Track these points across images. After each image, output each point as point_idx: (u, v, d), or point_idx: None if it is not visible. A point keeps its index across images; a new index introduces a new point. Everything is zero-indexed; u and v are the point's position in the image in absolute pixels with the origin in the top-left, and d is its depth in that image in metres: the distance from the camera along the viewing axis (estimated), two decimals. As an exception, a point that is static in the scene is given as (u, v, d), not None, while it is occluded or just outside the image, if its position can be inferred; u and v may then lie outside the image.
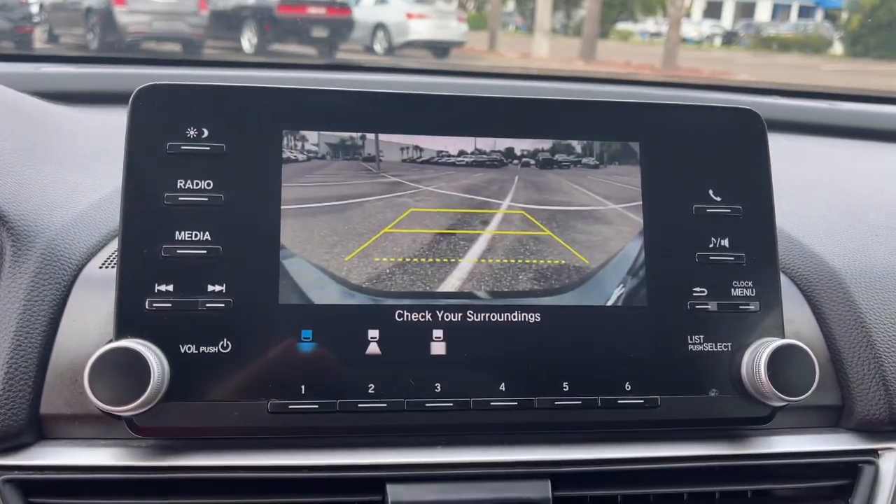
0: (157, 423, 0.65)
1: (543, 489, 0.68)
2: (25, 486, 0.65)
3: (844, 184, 1.06)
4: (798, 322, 0.78)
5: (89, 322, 0.70)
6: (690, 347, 0.72)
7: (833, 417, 0.78)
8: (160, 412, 0.64)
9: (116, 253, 0.66)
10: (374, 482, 0.67)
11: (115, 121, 1.07)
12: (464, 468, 0.68)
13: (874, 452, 0.76)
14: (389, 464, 0.68)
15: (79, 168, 0.86)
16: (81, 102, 1.18)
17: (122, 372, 0.61)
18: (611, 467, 0.70)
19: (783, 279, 0.78)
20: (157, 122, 0.68)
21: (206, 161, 0.68)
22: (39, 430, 0.67)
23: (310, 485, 0.67)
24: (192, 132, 0.68)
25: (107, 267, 0.73)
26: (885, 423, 0.75)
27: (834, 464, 0.75)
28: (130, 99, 0.68)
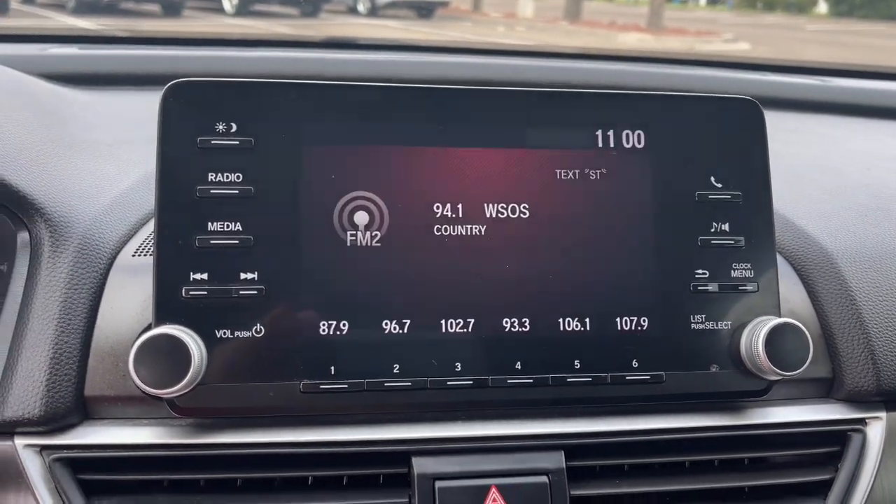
0: (196, 403, 0.69)
1: (557, 460, 0.73)
2: (74, 464, 0.69)
3: (836, 164, 1.10)
4: (793, 300, 0.83)
5: (126, 308, 0.73)
6: (693, 326, 0.76)
7: (824, 389, 0.83)
8: (199, 393, 0.68)
9: (153, 243, 0.70)
10: (400, 455, 0.72)
11: (128, 105, 1.10)
12: (483, 441, 0.73)
13: (862, 421, 0.81)
14: (414, 438, 0.72)
15: (103, 157, 0.89)
16: (89, 84, 1.20)
17: (164, 357, 0.65)
18: (619, 439, 0.75)
19: (778, 259, 0.83)
20: (187, 117, 0.71)
21: (236, 154, 0.71)
22: (85, 411, 0.71)
23: (340, 459, 0.72)
24: (220, 127, 0.71)
25: (140, 255, 0.76)
26: (873, 394, 0.81)
27: (825, 432, 0.80)
28: (161, 95, 0.71)
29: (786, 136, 1.20)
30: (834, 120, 1.35)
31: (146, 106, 0.90)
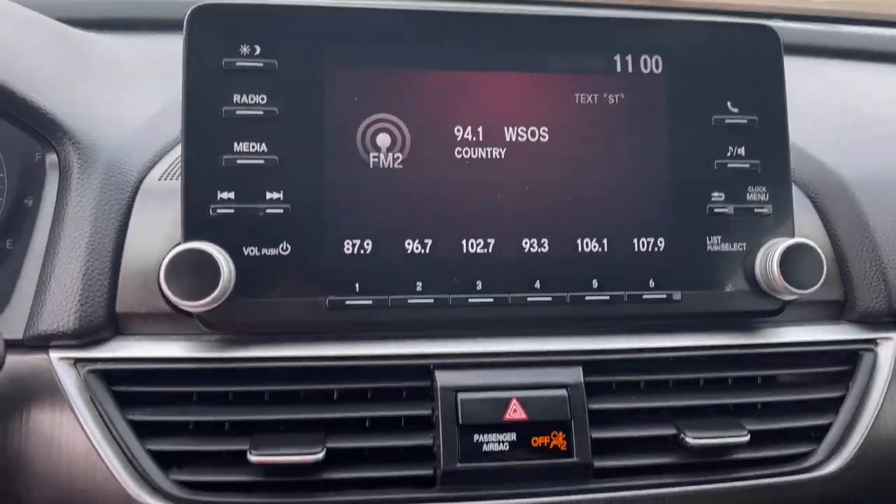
0: (225, 318, 0.70)
1: (576, 375, 0.75)
2: (108, 377, 0.71)
3: (848, 102, 1.11)
4: (806, 226, 0.84)
5: (154, 229, 0.75)
6: (709, 247, 0.78)
7: (836, 311, 0.85)
8: (228, 308, 0.70)
9: (180, 163, 0.71)
10: (423, 369, 0.74)
11: (146, 46, 1.10)
12: (504, 356, 0.75)
13: (873, 342, 0.83)
14: (437, 353, 0.74)
15: (125, 89, 0.90)
16: (103, 28, 1.20)
17: (194, 271, 0.67)
18: (636, 356, 0.77)
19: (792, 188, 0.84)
20: (212, 40, 0.72)
21: (260, 76, 0.72)
22: (116, 327, 0.73)
23: (364, 373, 0.74)
24: (245, 49, 0.72)
25: (166, 179, 0.78)
26: (884, 314, 0.82)
27: (836, 352, 0.82)
28: (185, 18, 0.72)
29: (798, 77, 1.20)
30: (844, 64, 1.35)
31: (163, 47, 0.91)
